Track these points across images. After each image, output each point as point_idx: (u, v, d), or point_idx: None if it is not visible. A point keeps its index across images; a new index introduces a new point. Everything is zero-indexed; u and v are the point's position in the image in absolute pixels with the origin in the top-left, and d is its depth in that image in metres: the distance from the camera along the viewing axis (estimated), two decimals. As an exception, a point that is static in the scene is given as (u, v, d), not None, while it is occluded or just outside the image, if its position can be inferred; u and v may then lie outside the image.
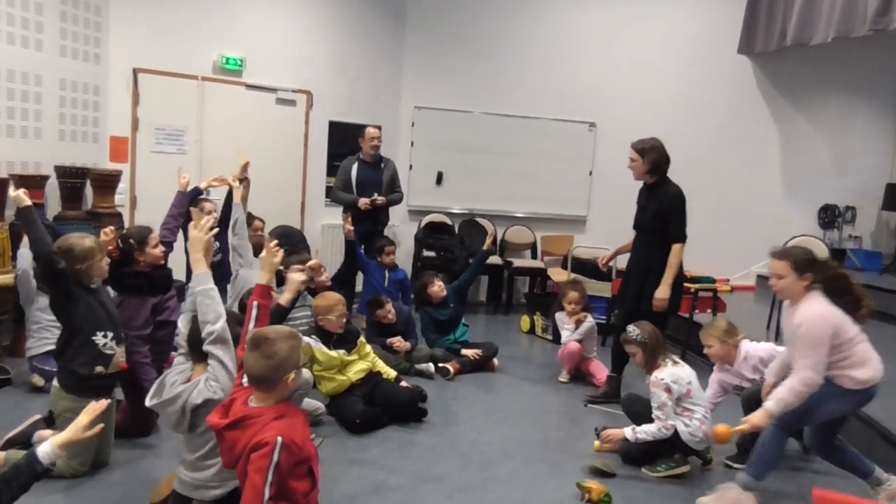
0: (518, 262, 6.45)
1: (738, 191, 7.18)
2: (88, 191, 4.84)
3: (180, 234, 3.70)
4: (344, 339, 3.54)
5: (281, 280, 4.33)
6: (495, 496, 2.76)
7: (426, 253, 6.22)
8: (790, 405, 2.50)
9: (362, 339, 3.69)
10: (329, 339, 3.49)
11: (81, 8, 4.81)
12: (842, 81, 7.33)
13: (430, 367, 4.28)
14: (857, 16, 5.53)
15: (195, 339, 2.27)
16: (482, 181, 6.69)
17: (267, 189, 5.34)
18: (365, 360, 3.59)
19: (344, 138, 6.14)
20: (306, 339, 3.49)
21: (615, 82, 6.82)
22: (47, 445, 1.87)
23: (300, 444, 1.87)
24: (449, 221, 6.53)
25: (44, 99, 4.52)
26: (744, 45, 7.02)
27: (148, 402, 2.25)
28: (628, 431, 2.98)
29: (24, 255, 3.56)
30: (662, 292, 3.67)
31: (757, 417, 2.55)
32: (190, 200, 3.90)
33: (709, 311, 5.22)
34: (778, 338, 4.88)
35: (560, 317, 4.51)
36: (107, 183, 4.89)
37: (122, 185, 5.10)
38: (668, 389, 2.97)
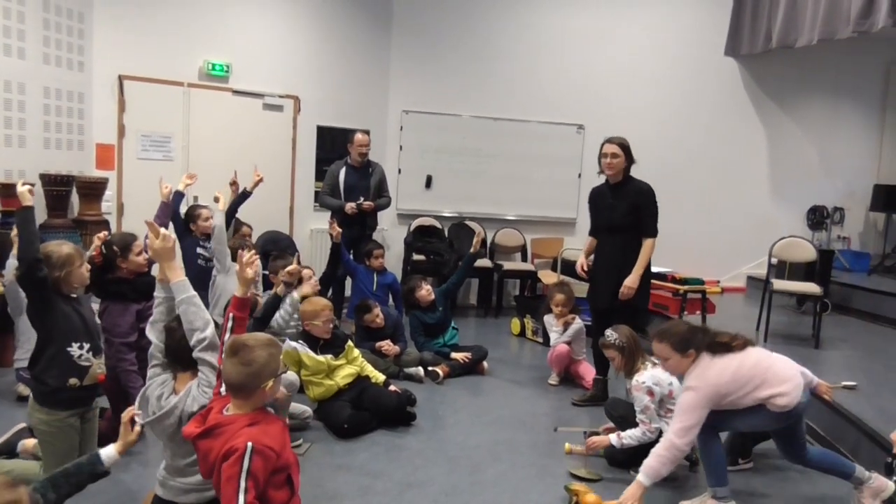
0: (508, 265, 6.46)
1: (726, 193, 7.22)
2: (74, 198, 4.82)
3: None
4: (332, 344, 3.53)
5: (268, 284, 4.33)
6: (482, 500, 2.75)
7: (416, 256, 6.21)
8: (660, 473, 2.50)
9: (350, 343, 3.68)
10: (316, 343, 3.48)
11: (64, 16, 4.79)
12: (827, 83, 7.39)
13: (420, 370, 4.28)
14: (841, 18, 5.58)
15: (176, 350, 2.25)
16: (471, 184, 6.70)
17: (255, 194, 5.31)
18: (353, 365, 3.58)
19: (332, 143, 6.14)
20: (293, 343, 3.48)
21: (603, 84, 6.85)
22: (111, 449, 2.08)
23: (277, 450, 1.85)
24: (438, 225, 6.54)
25: (27, 107, 4.50)
26: (730, 48, 7.07)
27: (142, 421, 2.21)
28: (614, 438, 2.98)
29: (13, 265, 3.53)
30: (632, 280, 3.66)
31: (631, 492, 2.52)
32: (173, 210, 3.89)
33: (698, 312, 5.25)
34: (767, 339, 4.91)
35: (548, 319, 4.51)
36: (93, 190, 4.87)
37: (109, 193, 5.08)
38: (651, 392, 2.97)
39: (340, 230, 4.62)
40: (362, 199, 5.06)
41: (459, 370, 4.39)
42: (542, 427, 3.61)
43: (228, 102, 5.67)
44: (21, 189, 2.54)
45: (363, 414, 3.39)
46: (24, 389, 3.55)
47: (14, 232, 3.56)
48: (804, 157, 7.45)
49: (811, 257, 5.22)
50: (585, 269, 3.99)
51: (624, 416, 3.13)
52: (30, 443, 2.78)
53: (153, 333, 2.30)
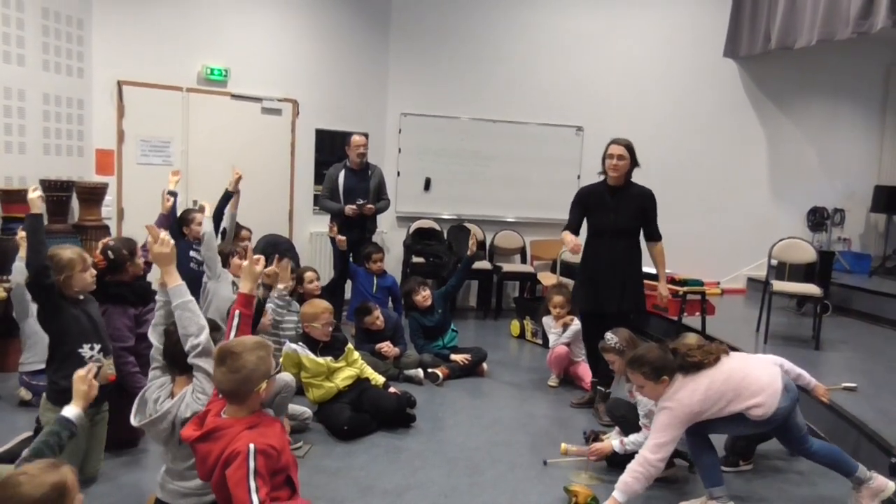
0: (507, 267, 6.46)
1: (726, 194, 7.22)
2: (75, 204, 4.84)
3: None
4: (331, 346, 3.54)
5: (266, 288, 4.34)
6: (482, 501, 2.75)
7: (415, 259, 6.22)
8: (635, 489, 2.51)
9: (350, 345, 3.69)
10: (316, 345, 3.49)
11: (63, 22, 4.81)
12: (827, 84, 7.39)
13: (419, 372, 4.28)
14: (840, 19, 5.59)
15: (173, 353, 2.26)
16: (470, 186, 6.71)
17: (254, 198, 5.35)
18: (353, 367, 3.59)
19: (331, 146, 6.15)
20: (293, 345, 3.49)
21: (602, 86, 6.87)
22: (74, 410, 2.06)
23: (278, 448, 1.86)
24: (437, 227, 6.55)
25: (27, 113, 4.52)
26: (729, 49, 7.07)
27: (134, 422, 2.23)
28: (616, 444, 2.97)
29: (18, 268, 3.54)
30: (665, 288, 3.80)
31: None
32: (173, 221, 3.92)
33: (697, 313, 5.24)
34: (767, 341, 4.90)
35: (547, 321, 4.51)
36: (93, 196, 4.88)
37: (109, 198, 5.10)
38: None
39: (344, 238, 4.61)
40: (361, 200, 5.06)
41: (459, 372, 4.39)
42: (541, 428, 3.61)
43: (227, 107, 5.69)
44: (32, 196, 2.57)
45: (363, 416, 3.40)
46: (25, 394, 3.56)
47: (20, 235, 3.59)
48: (804, 159, 7.45)
49: (811, 259, 5.21)
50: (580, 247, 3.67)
51: (625, 417, 3.12)
52: (33, 451, 2.79)
53: (154, 336, 2.31)
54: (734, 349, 3.16)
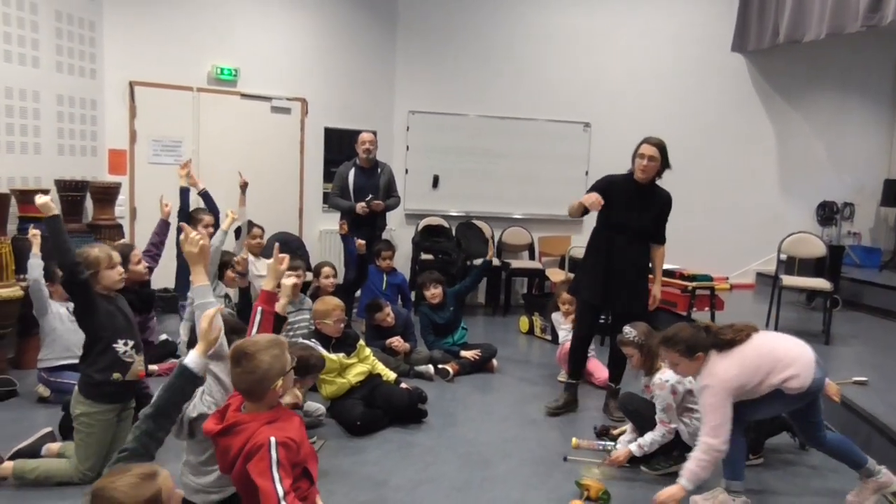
0: (516, 264, 6.49)
1: (735, 189, 7.21)
2: (88, 203, 4.90)
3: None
4: (343, 343, 3.58)
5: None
6: (493, 496, 2.78)
7: (424, 256, 6.25)
8: (701, 477, 2.53)
9: (362, 342, 3.73)
10: (328, 342, 3.53)
11: (76, 24, 4.87)
12: (836, 78, 7.36)
13: (430, 368, 4.32)
14: (850, 12, 5.56)
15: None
16: (478, 183, 6.73)
17: (264, 196, 5.41)
18: (364, 363, 3.63)
19: (340, 144, 6.19)
20: (306, 342, 3.53)
21: (609, 82, 6.86)
22: (193, 355, 1.96)
23: (298, 441, 1.90)
24: (446, 224, 6.58)
25: (42, 115, 4.58)
26: (737, 43, 7.05)
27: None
28: (634, 447, 2.99)
29: (35, 265, 3.60)
30: (660, 292, 3.75)
31: (670, 493, 2.54)
32: (167, 226, 3.96)
33: (706, 309, 5.25)
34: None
35: (556, 317, 4.54)
36: (106, 195, 4.94)
37: (122, 197, 5.16)
38: (674, 391, 2.97)
39: (364, 242, 4.63)
40: (371, 196, 5.09)
41: (469, 368, 4.42)
42: (551, 424, 3.64)
43: (237, 106, 5.74)
44: (41, 201, 2.60)
45: (375, 411, 3.44)
46: (44, 391, 3.62)
47: (32, 233, 3.65)
48: (813, 153, 7.42)
49: (821, 253, 5.21)
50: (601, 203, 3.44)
51: (637, 411, 3.14)
52: (55, 446, 2.85)
53: (182, 331, 2.36)
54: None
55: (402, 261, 6.18)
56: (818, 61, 7.18)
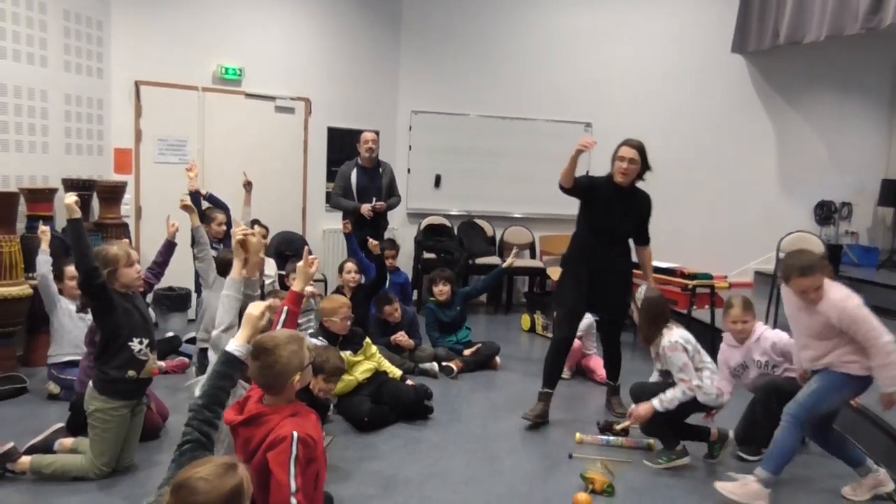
0: (517, 262, 6.52)
1: (734, 188, 7.26)
2: (95, 202, 4.93)
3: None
4: (350, 340, 3.63)
5: (283, 286, 4.44)
6: (501, 488, 2.84)
7: (426, 255, 6.30)
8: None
9: (368, 339, 3.78)
10: (335, 340, 3.58)
11: (83, 24, 4.90)
12: (835, 79, 7.41)
13: (434, 366, 4.37)
14: (849, 14, 5.61)
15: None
16: (480, 183, 6.78)
17: (268, 196, 5.44)
18: (371, 361, 3.68)
19: (343, 144, 6.23)
20: (314, 340, 3.57)
21: (610, 82, 6.91)
22: (235, 342, 1.97)
23: (315, 438, 1.96)
24: (448, 223, 6.63)
25: (50, 114, 4.61)
26: (737, 44, 7.10)
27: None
28: (655, 402, 3.03)
29: (43, 261, 3.63)
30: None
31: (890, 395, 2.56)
32: (172, 248, 3.86)
33: (707, 306, 5.31)
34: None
35: (559, 315, 4.59)
36: (112, 194, 4.98)
37: (128, 196, 5.19)
38: (685, 349, 3.04)
39: (377, 243, 4.65)
40: (374, 199, 5.13)
41: (473, 365, 4.48)
42: (555, 419, 3.68)
43: (241, 105, 5.77)
44: (68, 201, 2.61)
45: (382, 408, 3.49)
46: (53, 388, 3.66)
47: (41, 229, 3.68)
48: (812, 153, 7.48)
49: (819, 252, 5.26)
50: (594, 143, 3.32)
51: (655, 394, 3.14)
52: (67, 441, 2.89)
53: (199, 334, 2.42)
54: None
55: (404, 260, 6.22)
56: (818, 62, 7.23)
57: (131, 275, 2.76)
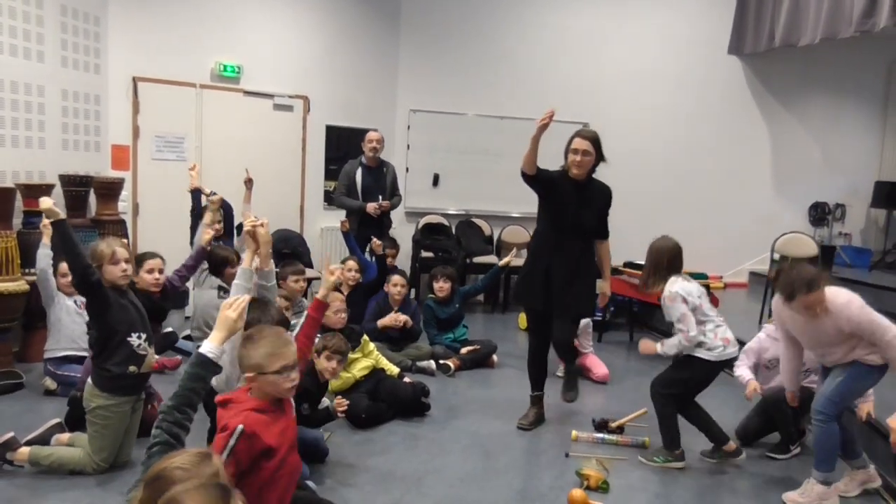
0: (514, 261, 6.53)
1: (729, 189, 7.31)
2: (92, 198, 4.92)
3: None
4: (348, 337, 3.63)
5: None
6: (496, 485, 2.86)
7: (424, 254, 6.32)
8: None
9: (366, 337, 3.79)
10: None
11: (81, 19, 4.89)
12: (830, 81, 7.48)
13: (432, 363, 4.39)
14: (844, 18, 5.67)
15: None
16: (477, 182, 6.80)
17: (266, 193, 5.43)
18: (369, 358, 3.70)
19: (341, 142, 6.24)
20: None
21: (607, 83, 6.95)
22: (209, 343, 1.89)
23: (271, 444, 1.94)
24: (446, 222, 6.64)
25: (46, 109, 4.60)
26: (734, 46, 7.16)
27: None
28: (658, 346, 3.08)
29: (43, 255, 3.63)
30: (609, 289, 3.61)
31: None
32: (203, 255, 3.93)
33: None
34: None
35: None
36: (109, 191, 4.97)
37: (125, 193, 5.18)
38: (684, 300, 2.99)
39: (381, 243, 4.67)
40: (380, 197, 5.14)
41: (470, 363, 4.50)
42: (551, 417, 3.71)
43: (240, 103, 5.77)
44: (45, 206, 2.60)
45: (380, 405, 3.50)
46: (50, 383, 3.66)
47: (44, 223, 3.68)
48: (806, 155, 7.54)
49: (813, 253, 5.31)
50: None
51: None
52: (64, 437, 2.89)
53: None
54: (739, 342, 3.28)
55: (402, 258, 6.23)
56: (812, 65, 7.29)
57: (115, 273, 2.71)
